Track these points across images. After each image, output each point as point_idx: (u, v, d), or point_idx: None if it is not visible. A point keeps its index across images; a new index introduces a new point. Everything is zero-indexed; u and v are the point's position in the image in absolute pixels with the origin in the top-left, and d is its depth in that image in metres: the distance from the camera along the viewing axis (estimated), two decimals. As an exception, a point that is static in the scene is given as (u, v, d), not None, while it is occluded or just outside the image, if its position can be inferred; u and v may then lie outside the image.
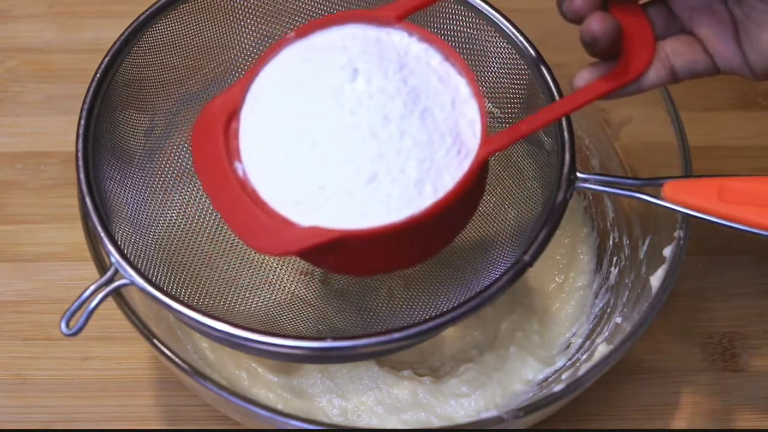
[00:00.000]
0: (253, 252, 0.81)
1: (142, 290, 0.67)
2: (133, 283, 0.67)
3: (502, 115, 0.80)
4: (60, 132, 0.95)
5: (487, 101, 0.79)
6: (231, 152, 0.67)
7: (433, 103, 0.67)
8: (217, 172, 0.67)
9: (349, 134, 0.65)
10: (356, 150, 0.65)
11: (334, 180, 0.65)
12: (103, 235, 0.68)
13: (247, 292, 0.79)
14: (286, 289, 0.81)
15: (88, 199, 0.69)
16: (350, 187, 0.65)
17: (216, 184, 0.67)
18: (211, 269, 0.79)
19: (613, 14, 0.66)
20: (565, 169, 0.71)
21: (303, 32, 0.69)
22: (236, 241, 0.80)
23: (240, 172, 0.67)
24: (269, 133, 0.67)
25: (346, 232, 0.64)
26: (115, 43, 0.73)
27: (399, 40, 0.69)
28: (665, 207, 0.69)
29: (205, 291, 0.77)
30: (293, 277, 0.82)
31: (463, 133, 0.67)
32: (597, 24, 0.64)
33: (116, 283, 0.67)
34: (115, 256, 0.67)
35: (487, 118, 0.67)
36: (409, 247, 0.69)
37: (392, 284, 0.82)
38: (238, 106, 0.68)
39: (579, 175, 0.70)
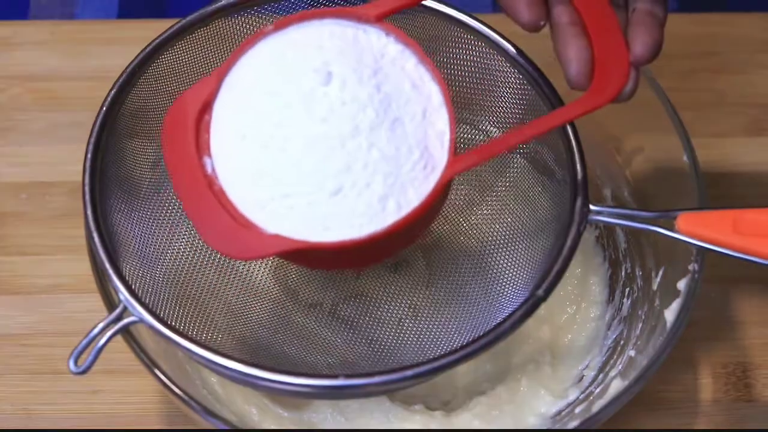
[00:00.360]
0: (262, 284, 0.80)
1: (152, 328, 0.66)
2: (142, 320, 0.66)
3: (512, 144, 0.79)
4: (65, 161, 0.94)
5: (494, 128, 0.79)
6: (201, 146, 0.67)
7: (404, 112, 0.66)
8: (185, 165, 0.66)
9: (319, 143, 0.65)
10: (324, 160, 0.64)
11: (300, 189, 0.64)
12: (111, 272, 0.67)
13: (256, 325, 0.79)
14: (295, 322, 0.81)
15: (95, 236, 0.68)
16: (315, 197, 0.64)
17: (183, 178, 0.66)
18: (219, 302, 0.78)
19: (590, 32, 0.66)
20: (578, 202, 0.70)
21: (281, 25, 0.68)
22: (244, 272, 0.80)
23: (208, 168, 0.66)
24: (240, 132, 0.66)
25: (307, 244, 0.64)
26: (121, 75, 0.73)
27: (376, 40, 0.68)
28: (680, 240, 0.68)
29: (213, 325, 0.76)
30: (301, 310, 0.81)
31: (431, 146, 0.66)
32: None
33: (125, 321, 0.66)
34: (124, 294, 0.67)
35: (456, 131, 0.66)
36: (370, 252, 0.69)
37: (402, 315, 0.81)
38: (212, 98, 0.67)
39: (592, 207, 0.70)
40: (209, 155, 0.66)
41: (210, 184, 0.66)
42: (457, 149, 0.67)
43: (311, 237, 0.64)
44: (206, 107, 0.67)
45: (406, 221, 0.65)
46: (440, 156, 0.66)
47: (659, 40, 0.67)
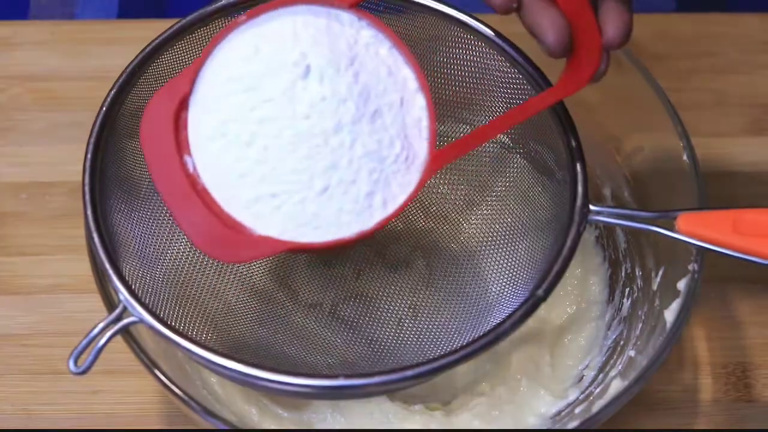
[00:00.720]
0: (261, 284, 0.80)
1: (152, 328, 0.66)
2: (141, 321, 0.66)
3: (512, 144, 0.79)
4: (65, 161, 0.94)
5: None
6: (181, 144, 0.66)
7: (382, 102, 0.66)
8: (167, 165, 0.66)
9: (303, 141, 0.64)
10: (309, 158, 0.64)
11: (287, 189, 0.64)
12: (111, 272, 0.67)
13: (256, 325, 0.79)
14: (295, 322, 0.81)
15: (95, 236, 0.68)
16: (302, 197, 0.64)
17: (166, 178, 0.66)
18: (219, 302, 0.78)
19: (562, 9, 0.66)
20: (578, 202, 0.70)
21: (254, 14, 0.67)
22: (244, 272, 0.80)
23: (190, 167, 0.66)
24: (221, 130, 0.65)
25: (298, 245, 0.64)
26: (121, 75, 0.72)
27: (349, 26, 0.67)
28: (680, 240, 0.68)
29: (213, 324, 0.76)
30: (301, 310, 0.81)
31: (410, 136, 0.66)
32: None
33: (125, 321, 0.66)
34: (124, 294, 0.66)
35: (445, 125, 0.66)
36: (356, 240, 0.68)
37: (402, 315, 0.81)
38: (188, 94, 0.67)
39: (592, 207, 0.70)
40: (189, 154, 0.66)
41: (193, 183, 0.65)
42: (439, 141, 0.66)
43: (301, 237, 0.64)
44: (183, 104, 0.66)
45: (392, 217, 0.65)
46: (420, 146, 0.66)
47: (629, 23, 0.67)
